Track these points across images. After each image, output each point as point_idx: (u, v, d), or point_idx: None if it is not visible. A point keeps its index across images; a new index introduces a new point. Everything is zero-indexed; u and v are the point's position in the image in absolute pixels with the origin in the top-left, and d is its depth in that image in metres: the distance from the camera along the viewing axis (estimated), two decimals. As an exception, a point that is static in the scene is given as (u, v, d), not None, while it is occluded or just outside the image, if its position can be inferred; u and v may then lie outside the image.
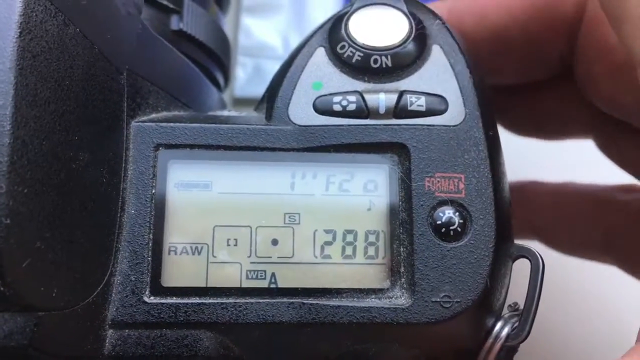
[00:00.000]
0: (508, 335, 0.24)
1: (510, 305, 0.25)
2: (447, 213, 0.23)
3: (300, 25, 0.48)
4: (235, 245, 0.23)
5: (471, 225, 0.23)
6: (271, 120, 0.24)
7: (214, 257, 0.23)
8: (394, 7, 0.25)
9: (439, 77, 0.25)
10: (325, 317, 0.23)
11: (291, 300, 0.23)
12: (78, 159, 0.21)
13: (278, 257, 0.23)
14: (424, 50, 0.25)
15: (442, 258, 0.23)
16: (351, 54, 0.25)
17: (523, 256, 0.24)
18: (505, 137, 0.26)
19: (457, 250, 0.23)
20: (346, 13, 0.25)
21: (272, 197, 0.24)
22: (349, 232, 0.24)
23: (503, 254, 0.24)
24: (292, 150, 0.24)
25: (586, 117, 0.32)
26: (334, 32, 0.25)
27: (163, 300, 0.22)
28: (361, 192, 0.24)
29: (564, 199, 0.35)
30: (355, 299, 0.23)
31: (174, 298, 0.23)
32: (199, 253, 0.23)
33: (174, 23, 0.28)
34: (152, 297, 0.22)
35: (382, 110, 0.24)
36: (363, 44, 0.25)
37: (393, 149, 0.24)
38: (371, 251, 0.24)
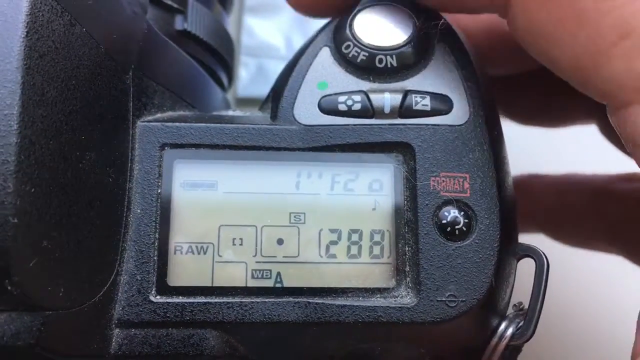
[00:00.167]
0: (513, 335, 0.24)
1: (515, 305, 0.25)
2: (452, 212, 0.23)
3: (303, 25, 0.48)
4: (241, 244, 0.23)
5: (476, 224, 0.23)
6: (276, 120, 0.24)
7: (220, 256, 0.23)
8: (398, 6, 0.25)
9: (444, 76, 0.25)
10: (330, 316, 0.23)
11: (297, 300, 0.23)
12: (84, 158, 0.21)
13: (283, 257, 0.23)
14: (429, 50, 0.25)
15: (447, 257, 0.23)
16: (356, 54, 0.25)
17: (528, 255, 0.24)
18: (506, 129, 0.26)
19: (462, 249, 0.23)
20: (351, 13, 0.25)
21: (278, 197, 0.24)
22: (354, 231, 0.24)
23: (508, 253, 0.24)
24: (298, 150, 0.24)
25: (588, 103, 0.32)
26: (338, 31, 0.25)
27: (169, 300, 0.22)
28: (366, 191, 0.24)
29: (566, 191, 0.35)
30: (360, 299, 0.23)
31: (180, 297, 0.23)
32: (205, 252, 0.23)
33: (179, 23, 0.29)
34: (158, 297, 0.23)
35: (387, 110, 0.24)
36: (368, 43, 0.25)
37: (398, 148, 0.24)
38: (376, 250, 0.24)
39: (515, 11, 0.23)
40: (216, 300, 0.23)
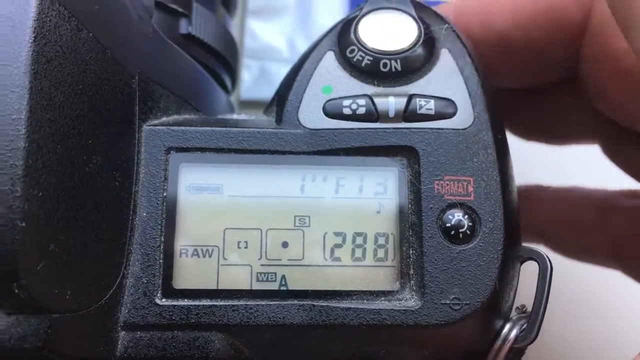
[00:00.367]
0: (516, 337, 0.24)
1: (518, 308, 0.25)
2: (456, 216, 0.23)
3: (306, 28, 0.48)
4: (246, 247, 0.23)
5: (480, 228, 0.23)
6: (281, 124, 0.25)
7: (225, 259, 0.23)
8: (403, 11, 0.25)
9: (448, 80, 0.25)
10: (335, 319, 0.23)
11: (301, 303, 0.23)
12: (91, 162, 0.21)
13: (288, 260, 0.23)
14: (433, 54, 0.25)
15: (451, 260, 0.23)
16: (361, 58, 0.25)
17: (531, 259, 0.24)
18: (511, 141, 0.26)
19: (466, 252, 0.23)
20: (355, 17, 0.25)
21: (283, 200, 0.24)
22: (359, 234, 0.24)
23: (511, 256, 0.24)
24: (302, 154, 0.24)
25: (592, 122, 0.32)
26: (343, 36, 0.25)
27: (174, 303, 0.23)
28: (371, 195, 0.24)
29: (569, 204, 0.35)
30: (365, 301, 0.23)
31: (186, 300, 0.23)
32: (210, 255, 0.23)
33: (183, 27, 0.29)
34: (163, 299, 0.23)
35: (391, 114, 0.24)
36: (372, 48, 0.25)
37: (402, 152, 0.24)
38: (381, 253, 0.24)
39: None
40: (221, 303, 0.23)
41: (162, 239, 0.23)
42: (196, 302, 0.23)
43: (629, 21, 0.21)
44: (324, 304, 0.23)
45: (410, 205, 0.24)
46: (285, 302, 0.23)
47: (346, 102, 0.25)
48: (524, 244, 0.25)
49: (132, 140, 0.23)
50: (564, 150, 0.37)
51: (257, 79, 0.48)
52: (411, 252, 0.24)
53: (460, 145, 0.24)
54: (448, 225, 0.23)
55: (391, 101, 0.24)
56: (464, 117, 0.24)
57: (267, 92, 0.27)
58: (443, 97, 0.25)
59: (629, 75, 0.27)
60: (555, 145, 0.36)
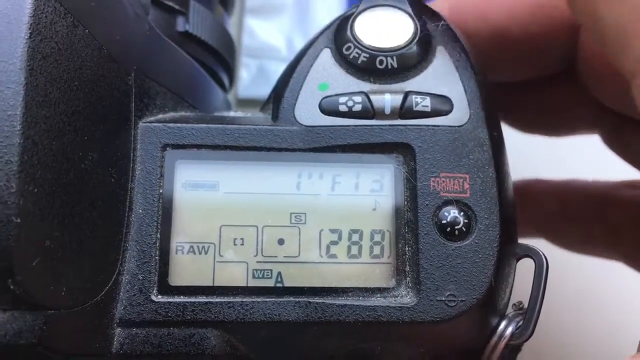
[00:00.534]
0: (512, 334, 0.24)
1: (514, 304, 0.25)
2: (452, 213, 0.23)
3: (304, 26, 0.48)
4: (242, 244, 0.23)
5: (476, 224, 0.23)
6: (277, 121, 0.25)
7: (221, 256, 0.23)
8: (399, 8, 0.25)
9: (444, 77, 0.25)
10: (331, 316, 0.23)
11: (297, 299, 0.23)
12: (87, 158, 0.21)
13: (284, 257, 0.24)
14: (429, 52, 0.25)
15: (447, 257, 0.23)
16: (357, 55, 0.25)
17: (527, 256, 0.24)
18: (509, 135, 0.26)
19: (462, 249, 0.23)
20: (352, 14, 0.25)
21: (279, 197, 0.24)
22: (355, 231, 0.24)
23: (507, 253, 0.24)
24: (299, 151, 0.24)
25: (591, 113, 0.32)
26: (339, 33, 0.25)
27: (170, 299, 0.23)
28: (367, 192, 0.24)
29: (568, 197, 0.35)
30: (360, 298, 0.23)
31: (181, 297, 0.23)
32: (206, 252, 0.23)
33: (180, 24, 0.29)
34: (159, 296, 0.23)
35: (387, 111, 0.24)
36: (369, 45, 0.25)
37: (398, 149, 0.24)
38: (376, 250, 0.24)
39: None
40: (217, 299, 0.23)
41: (158, 235, 0.23)
42: (192, 299, 0.23)
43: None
44: (320, 301, 0.23)
45: (406, 202, 0.24)
46: (281, 299, 0.23)
47: (342, 99, 0.25)
48: (524, 239, 0.25)
49: (128, 137, 0.23)
50: (563, 141, 0.37)
51: (255, 78, 0.48)
52: (407, 249, 0.24)
53: (456, 142, 0.24)
54: (444, 222, 0.23)
55: (387, 98, 0.24)
56: (459, 114, 0.24)
57: (265, 91, 0.27)
58: (439, 94, 0.25)
59: None
60: (554, 137, 0.36)
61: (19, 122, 0.18)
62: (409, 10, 0.25)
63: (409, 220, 0.24)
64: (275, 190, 0.24)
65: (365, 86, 0.25)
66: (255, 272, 0.23)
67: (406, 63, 0.25)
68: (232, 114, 0.27)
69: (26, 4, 0.19)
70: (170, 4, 0.28)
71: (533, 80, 0.32)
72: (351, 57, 0.25)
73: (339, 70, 0.25)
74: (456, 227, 0.23)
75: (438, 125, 0.24)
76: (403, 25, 0.25)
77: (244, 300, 0.23)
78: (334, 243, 0.24)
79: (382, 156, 0.24)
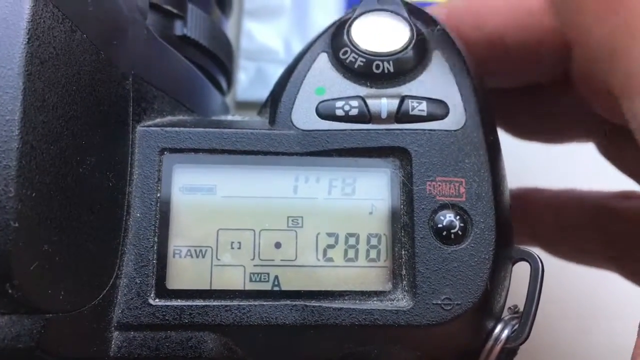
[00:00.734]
0: (508, 337, 0.24)
1: (510, 308, 0.25)
2: (448, 217, 0.24)
3: (302, 29, 0.48)
4: (239, 248, 0.24)
5: (472, 228, 0.24)
6: (274, 125, 0.25)
7: (218, 260, 0.23)
8: (395, 13, 0.25)
9: (440, 82, 0.25)
10: (327, 319, 0.23)
11: (294, 303, 0.23)
12: (85, 163, 0.21)
13: (281, 260, 0.24)
14: (425, 56, 0.25)
15: (443, 261, 0.23)
16: (353, 60, 0.25)
17: (523, 259, 0.24)
18: (506, 143, 0.26)
19: (458, 253, 0.23)
20: (348, 19, 0.25)
21: (276, 201, 0.24)
22: (351, 235, 0.24)
23: (503, 257, 0.24)
24: (295, 155, 0.24)
25: (586, 121, 0.32)
26: (336, 38, 0.25)
27: (168, 303, 0.23)
28: (363, 195, 0.24)
29: (564, 206, 0.35)
30: (357, 302, 0.23)
31: (179, 300, 0.23)
32: (203, 256, 0.23)
33: (178, 28, 0.29)
34: (157, 300, 0.23)
35: (384, 115, 0.24)
36: (365, 49, 0.25)
37: (395, 153, 0.24)
38: (373, 254, 0.24)
39: None
40: (214, 303, 0.23)
41: (156, 239, 0.23)
42: (189, 303, 0.23)
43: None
44: (317, 304, 0.23)
45: (402, 206, 0.24)
46: (278, 303, 0.23)
47: (339, 104, 0.25)
48: (519, 246, 0.25)
49: (125, 141, 0.23)
50: (558, 148, 0.37)
51: (253, 80, 0.48)
52: (403, 252, 0.24)
53: (452, 146, 0.24)
54: (440, 226, 0.24)
55: (383, 102, 0.25)
56: (456, 118, 0.25)
57: (263, 93, 0.27)
58: (435, 98, 0.25)
59: None
60: (550, 144, 0.36)
61: (17, 127, 0.18)
62: (405, 14, 0.25)
63: (405, 224, 0.24)
64: (272, 194, 0.24)
65: (362, 90, 0.25)
66: (252, 275, 0.23)
67: (402, 67, 0.25)
68: (229, 117, 0.27)
69: (24, 9, 0.19)
70: (168, 7, 0.28)
71: (528, 87, 0.33)
72: (348, 61, 0.25)
73: (335, 74, 0.25)
74: (452, 231, 0.23)
75: (434, 130, 0.24)
76: (399, 30, 0.25)
77: (241, 303, 0.23)
78: (331, 247, 0.24)
79: (379, 160, 0.24)
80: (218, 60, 0.31)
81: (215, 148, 0.24)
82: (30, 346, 0.19)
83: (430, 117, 0.24)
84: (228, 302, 0.23)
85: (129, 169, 0.23)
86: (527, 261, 0.24)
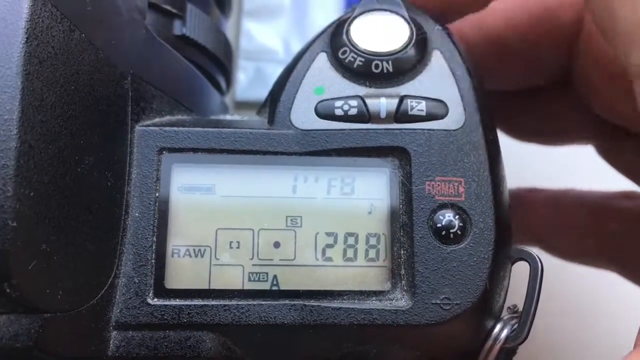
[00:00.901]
0: (507, 337, 0.24)
1: (509, 307, 0.25)
2: (447, 216, 0.24)
3: (301, 29, 0.49)
4: (238, 247, 0.24)
5: (471, 228, 0.24)
6: (273, 125, 0.25)
7: (217, 259, 0.23)
8: (394, 12, 0.25)
9: (439, 82, 0.25)
10: (326, 318, 0.23)
11: (293, 302, 0.23)
12: (83, 162, 0.21)
13: (280, 260, 0.24)
14: (425, 56, 0.25)
15: (442, 261, 0.23)
16: (352, 59, 0.25)
17: (522, 259, 0.24)
18: (506, 144, 0.26)
19: (457, 253, 0.23)
20: (348, 19, 0.25)
21: (275, 200, 0.24)
22: (350, 234, 0.24)
23: (502, 256, 0.24)
24: (294, 154, 0.24)
25: (586, 123, 0.33)
26: (335, 37, 0.25)
27: (166, 302, 0.23)
28: (362, 195, 0.24)
29: (563, 206, 0.35)
30: (356, 301, 0.23)
31: (177, 300, 0.23)
32: (202, 255, 0.23)
33: (177, 28, 0.29)
34: (155, 299, 0.23)
35: (383, 115, 0.24)
36: (364, 49, 0.25)
37: (394, 153, 0.24)
38: (372, 254, 0.24)
39: None
40: (213, 302, 0.23)
41: (154, 239, 0.23)
42: (188, 302, 0.23)
43: (611, 31, 0.21)
44: (315, 304, 0.23)
45: (401, 206, 0.24)
46: (276, 302, 0.23)
47: (338, 103, 0.25)
48: (518, 246, 0.25)
49: (124, 141, 0.23)
50: (558, 152, 0.37)
51: (252, 80, 0.48)
52: (402, 252, 0.24)
53: (452, 146, 0.24)
54: (439, 225, 0.23)
55: (383, 102, 0.25)
56: (455, 118, 0.25)
57: (263, 93, 0.27)
58: (434, 98, 0.25)
59: (619, 77, 0.27)
60: (549, 146, 0.36)
61: (15, 126, 0.18)
62: (405, 14, 0.25)
63: (404, 223, 0.24)
64: (271, 194, 0.24)
65: (361, 90, 0.25)
66: (251, 275, 0.23)
67: (402, 67, 0.25)
68: (228, 117, 0.27)
69: (23, 8, 0.19)
70: (167, 7, 0.28)
71: (529, 89, 0.33)
72: (347, 61, 0.25)
73: (334, 74, 0.25)
74: (451, 231, 0.23)
75: (433, 129, 0.24)
76: (399, 29, 0.25)
77: (240, 303, 0.23)
78: (330, 246, 0.24)
79: (378, 160, 0.24)
80: (217, 60, 0.31)
81: (214, 148, 0.24)
82: (28, 345, 0.19)
83: (429, 117, 0.24)
84: (227, 302, 0.23)
85: (128, 168, 0.23)
86: (526, 261, 0.24)
